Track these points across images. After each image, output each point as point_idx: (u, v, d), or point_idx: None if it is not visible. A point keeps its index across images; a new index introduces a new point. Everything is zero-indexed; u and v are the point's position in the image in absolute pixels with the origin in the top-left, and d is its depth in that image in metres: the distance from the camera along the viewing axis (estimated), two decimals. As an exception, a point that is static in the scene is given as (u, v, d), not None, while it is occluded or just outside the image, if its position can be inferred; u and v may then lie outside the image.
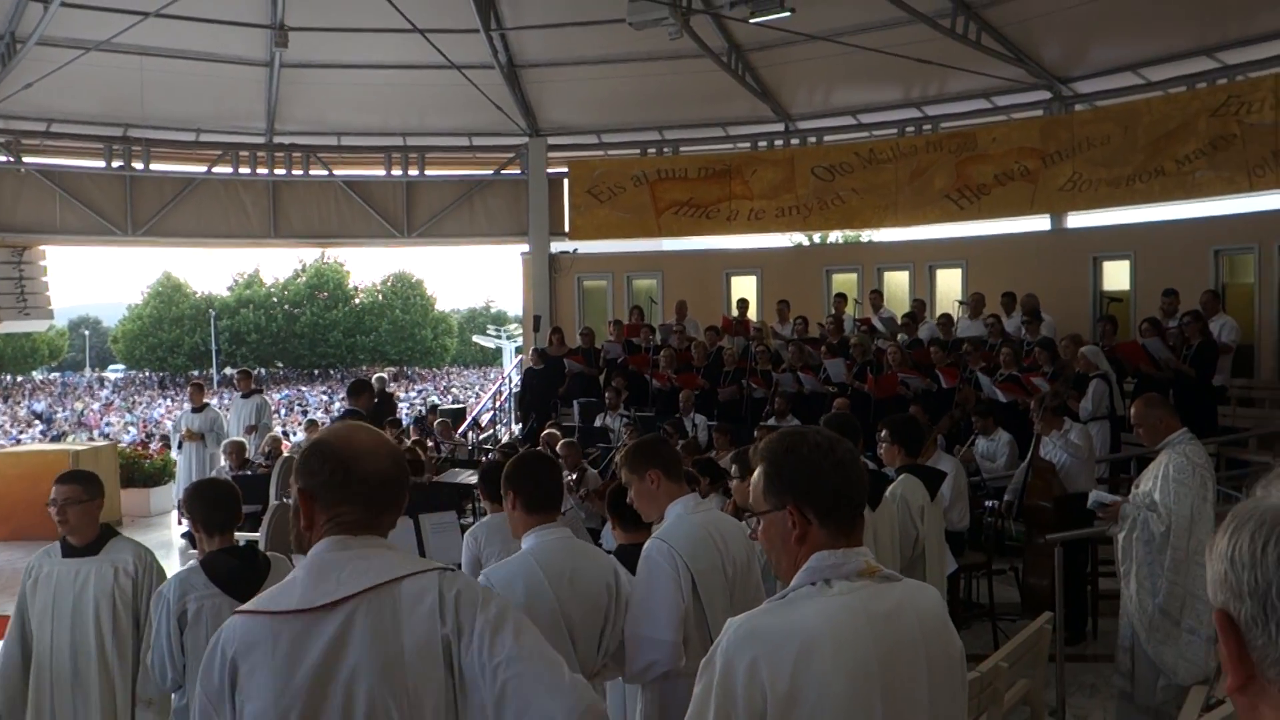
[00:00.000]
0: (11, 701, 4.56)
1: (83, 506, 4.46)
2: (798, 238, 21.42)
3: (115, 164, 16.44)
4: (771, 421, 11.14)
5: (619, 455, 9.98)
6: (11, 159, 15.84)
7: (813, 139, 16.75)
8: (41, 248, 16.52)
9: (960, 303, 13.76)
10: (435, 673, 2.04)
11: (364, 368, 69.22)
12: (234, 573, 4.25)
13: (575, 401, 13.57)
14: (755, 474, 2.19)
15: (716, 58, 15.52)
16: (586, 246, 17.74)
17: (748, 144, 17.19)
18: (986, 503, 8.33)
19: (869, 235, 19.24)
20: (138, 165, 16.55)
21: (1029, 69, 14.38)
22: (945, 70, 14.22)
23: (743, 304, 15.30)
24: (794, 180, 16.34)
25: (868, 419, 9.16)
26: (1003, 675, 4.09)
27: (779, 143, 16.94)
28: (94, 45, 13.93)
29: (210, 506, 4.27)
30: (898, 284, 15.76)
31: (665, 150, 17.48)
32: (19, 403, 55.50)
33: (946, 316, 12.86)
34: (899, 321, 13.26)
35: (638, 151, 17.64)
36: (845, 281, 15.96)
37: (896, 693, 2.01)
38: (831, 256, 19.15)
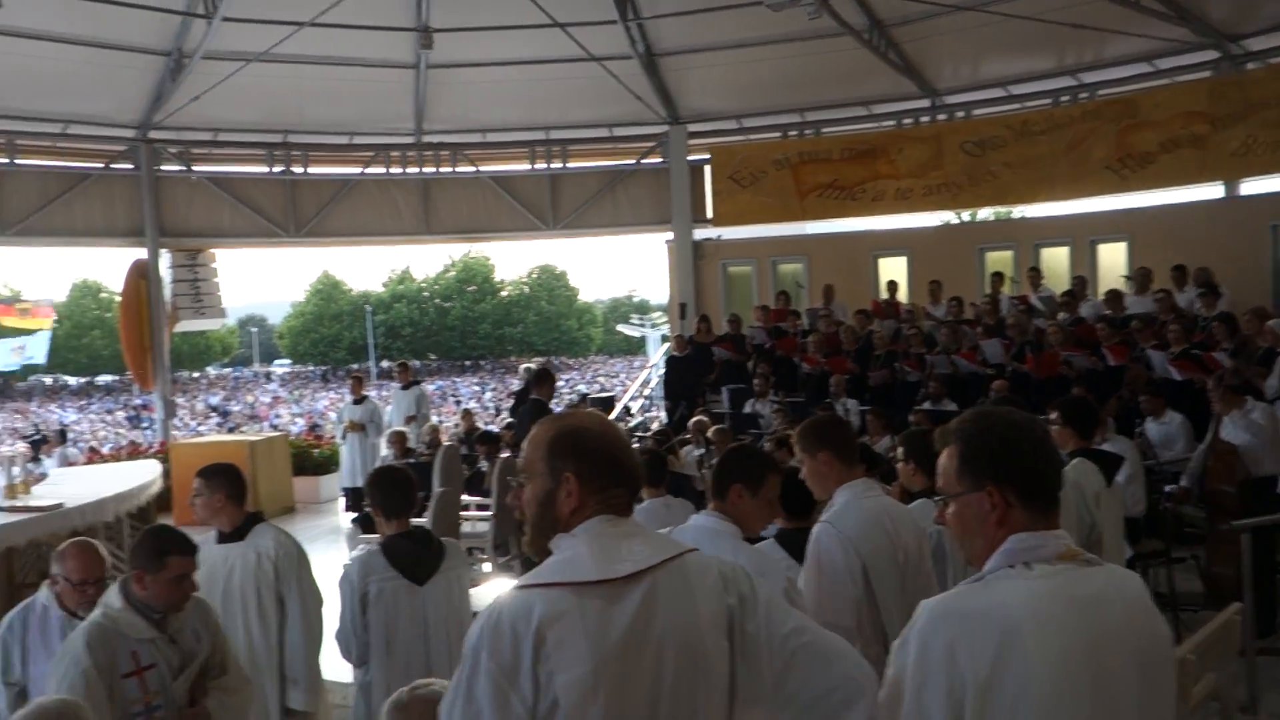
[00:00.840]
0: None
1: (202, 500, 4.61)
2: (947, 216, 20.87)
3: (277, 169, 17.18)
4: (926, 405, 10.89)
5: (769, 440, 9.94)
6: (183, 168, 16.71)
7: (961, 113, 16.28)
8: (213, 251, 17.38)
9: (1126, 278, 13.18)
10: (722, 641, 2.10)
11: (512, 358, 70.69)
12: (412, 556, 4.44)
13: (724, 388, 13.54)
14: (945, 455, 2.12)
15: (857, 35, 15.23)
16: (730, 232, 17.67)
17: (892, 122, 16.82)
18: (1165, 488, 7.93)
19: (1022, 211, 18.55)
20: (297, 169, 17.25)
21: (1194, 28, 13.64)
22: (1102, 34, 13.62)
23: (892, 286, 15.01)
24: (942, 157, 15.92)
25: (1028, 401, 8.86)
26: (1191, 669, 3.90)
27: (925, 119, 16.53)
28: (254, 57, 14.56)
29: (389, 492, 4.46)
30: (1056, 261, 15.16)
31: (807, 132, 17.26)
32: (196, 396, 58.57)
33: (1115, 292, 12.27)
34: (1058, 299, 12.77)
35: (779, 135, 17.47)
36: (1000, 260, 15.44)
37: (1106, 684, 1.92)
38: (984, 234, 18.57)
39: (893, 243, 16.93)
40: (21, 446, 14.66)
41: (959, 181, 15.85)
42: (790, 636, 2.12)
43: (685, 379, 14.32)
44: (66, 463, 15.12)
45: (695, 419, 11.38)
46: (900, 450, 4.60)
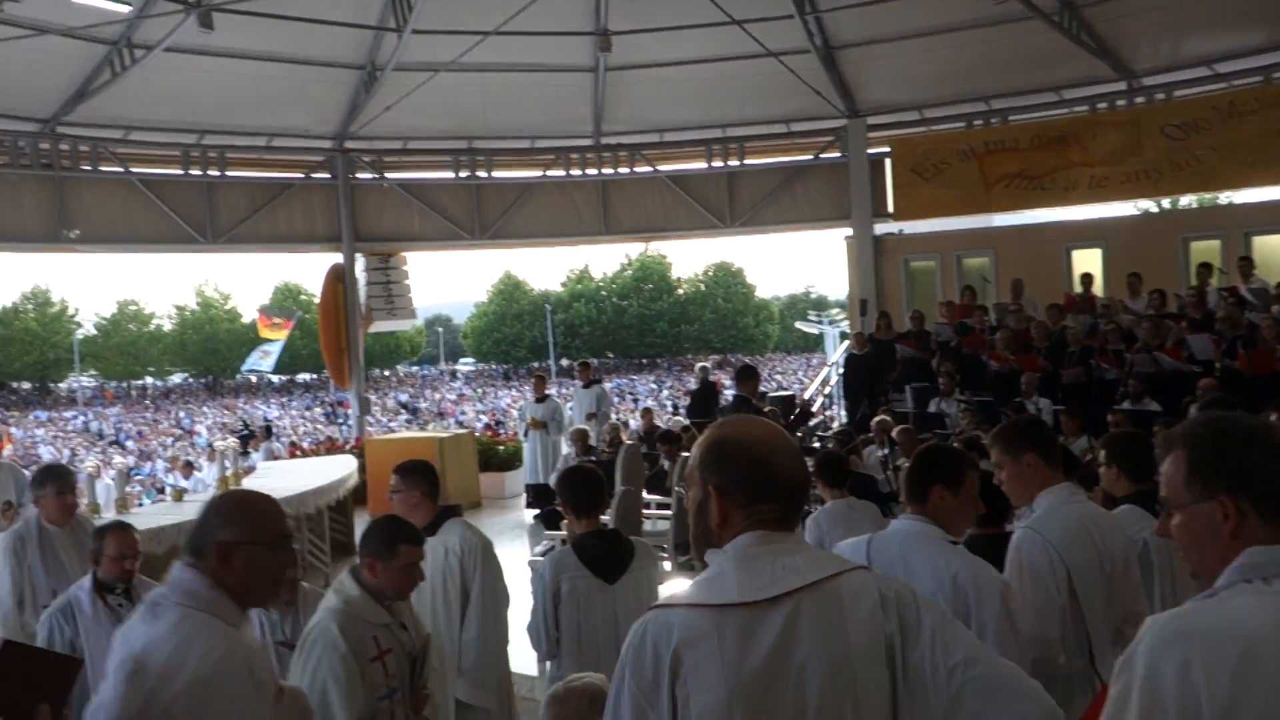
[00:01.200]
0: None
1: (400, 495, 4.78)
2: (1145, 204, 19.83)
3: (463, 174, 17.74)
4: (1126, 405, 10.38)
5: (957, 440, 9.66)
6: (376, 176, 17.47)
7: (1161, 95, 15.41)
8: (404, 254, 18.10)
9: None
10: (879, 672, 1.99)
11: (689, 356, 71.02)
12: (601, 555, 4.50)
13: (908, 387, 13.23)
14: (1170, 462, 1.98)
15: (1047, 18, 14.62)
16: (912, 226, 17.25)
17: (1085, 107, 16.07)
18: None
19: (1229, 197, 17.42)
20: (482, 174, 17.78)
21: None
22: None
23: (1087, 279, 14.32)
24: (1140, 142, 15.11)
25: (1241, 399, 8.31)
26: None
27: (1121, 103, 15.74)
28: (442, 67, 15.09)
29: (578, 491, 4.54)
30: (1270, 250, 14.18)
31: (993, 121, 16.68)
32: (387, 394, 61.16)
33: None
34: (1273, 291, 11.94)
35: (963, 124, 16.94)
36: (1206, 249, 14.53)
37: None
38: (1188, 222, 17.55)
39: (1087, 233, 16.18)
40: (233, 442, 15.60)
41: (1159, 167, 15.02)
42: (960, 669, 1.97)
43: (867, 377, 14.07)
44: (272, 457, 16.01)
45: (878, 418, 11.15)
46: (1103, 454, 4.36)
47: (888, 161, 17.14)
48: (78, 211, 15.41)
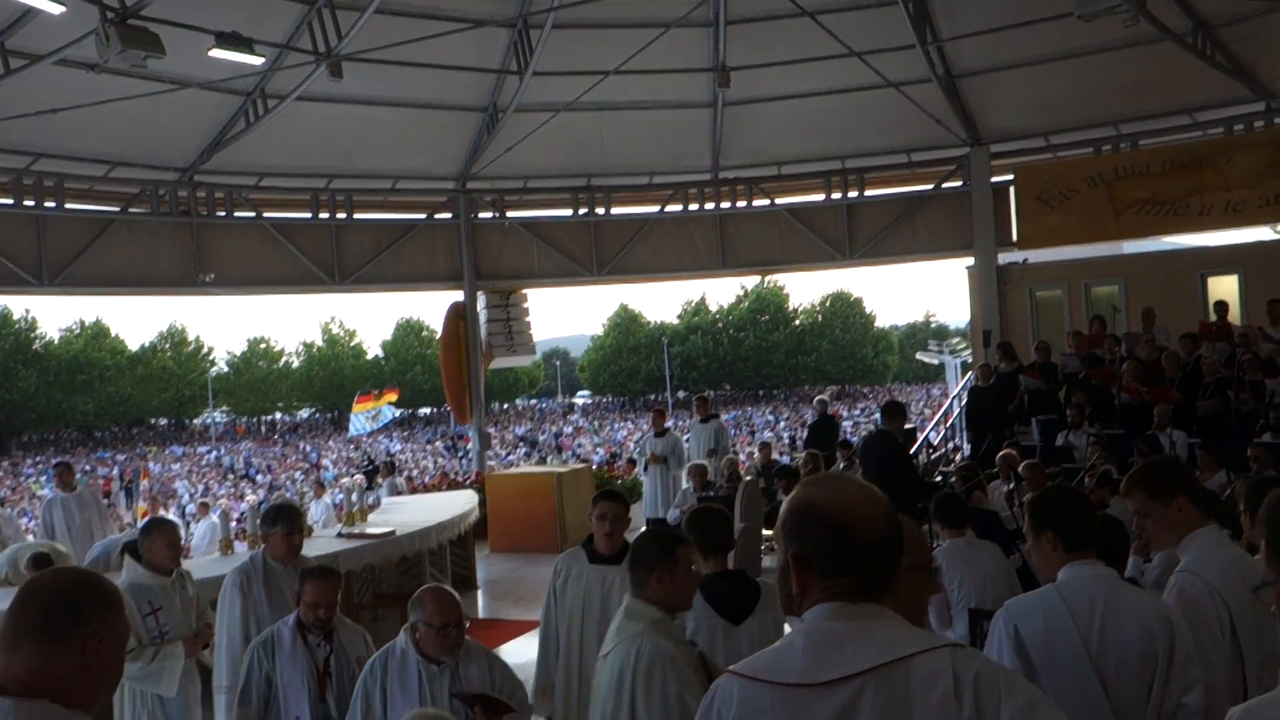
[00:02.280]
0: (548, 674, 5.23)
1: (622, 523, 5.13)
2: (1287, 228, 18.92)
3: (581, 211, 17.97)
4: (1267, 438, 9.89)
5: (1088, 476, 9.32)
6: (497, 215, 17.82)
7: (1302, 115, 14.77)
8: (524, 291, 18.39)
9: None
10: None
11: (806, 387, 70.39)
12: (728, 596, 4.47)
13: (1034, 419, 12.85)
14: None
15: (1179, 39, 14.15)
16: (1037, 255, 16.80)
17: (1220, 129, 15.50)
18: None
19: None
20: (600, 211, 17.97)
21: None
22: None
23: (1222, 306, 13.71)
24: (1280, 164, 14.48)
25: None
26: None
27: (1259, 124, 15.12)
28: (562, 107, 15.35)
29: (706, 531, 4.52)
30: None
31: (1122, 146, 16.18)
32: (506, 427, 62.09)
33: None
34: None
35: (1090, 150, 16.48)
36: (1356, 275, 13.83)
37: None
38: (1333, 247, 16.70)
39: (1222, 259, 15.53)
40: (359, 478, 16.00)
41: (1301, 190, 14.36)
42: None
43: (991, 410, 13.71)
44: (395, 492, 16.35)
45: (1003, 452, 10.85)
46: (1243, 503, 4.15)
47: (1012, 190, 16.75)
48: (213, 255, 16.08)
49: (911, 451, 14.80)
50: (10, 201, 14.30)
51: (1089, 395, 12.41)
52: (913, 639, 1.93)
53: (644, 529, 4.95)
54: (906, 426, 20.63)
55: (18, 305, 61.68)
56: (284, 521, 5.63)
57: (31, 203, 14.39)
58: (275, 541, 5.67)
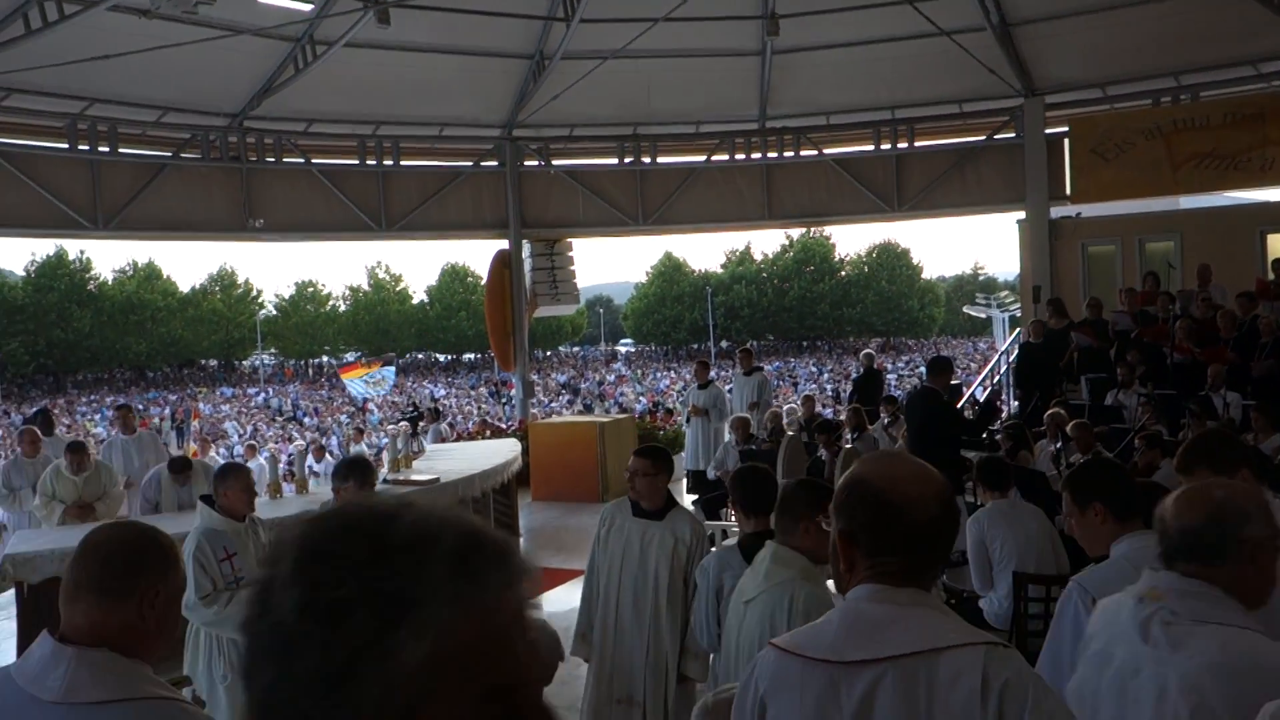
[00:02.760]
0: (588, 619, 5.35)
1: (648, 479, 5.08)
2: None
3: (627, 160, 17.87)
4: (1324, 401, 9.70)
5: (1139, 438, 9.21)
6: (543, 163, 17.78)
7: (1372, 67, 14.32)
8: (568, 240, 18.38)
9: None
10: None
11: (850, 339, 69.99)
12: (767, 556, 4.49)
13: (1083, 377, 12.69)
14: None
15: (1246, -13, 13.74)
16: (1091, 210, 16.50)
17: (1286, 81, 15.08)
18: None
19: None
20: (646, 160, 17.87)
21: None
22: None
23: (1281, 265, 13.47)
24: (1348, 119, 14.08)
25: None
26: None
27: (1327, 77, 14.69)
28: (609, 54, 15.21)
29: (750, 490, 4.54)
30: None
31: (1183, 98, 15.79)
32: (549, 374, 62.39)
33: None
34: None
35: (1149, 102, 16.09)
36: None
37: None
38: (1397, 203, 16.26)
39: (1283, 216, 15.19)
40: (403, 424, 16.18)
41: (1368, 145, 13.96)
42: None
43: (1039, 367, 13.55)
44: (439, 439, 16.54)
45: (1051, 411, 10.73)
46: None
47: (1066, 142, 16.43)
48: (262, 201, 16.22)
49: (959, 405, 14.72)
50: (65, 146, 14.48)
51: (1142, 353, 12.23)
52: (949, 630, 1.89)
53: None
54: (953, 382, 20.52)
55: (73, 247, 62.70)
56: (356, 476, 5.55)
57: (86, 147, 14.57)
58: (348, 495, 5.57)
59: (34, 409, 13.87)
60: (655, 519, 5.11)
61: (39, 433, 10.30)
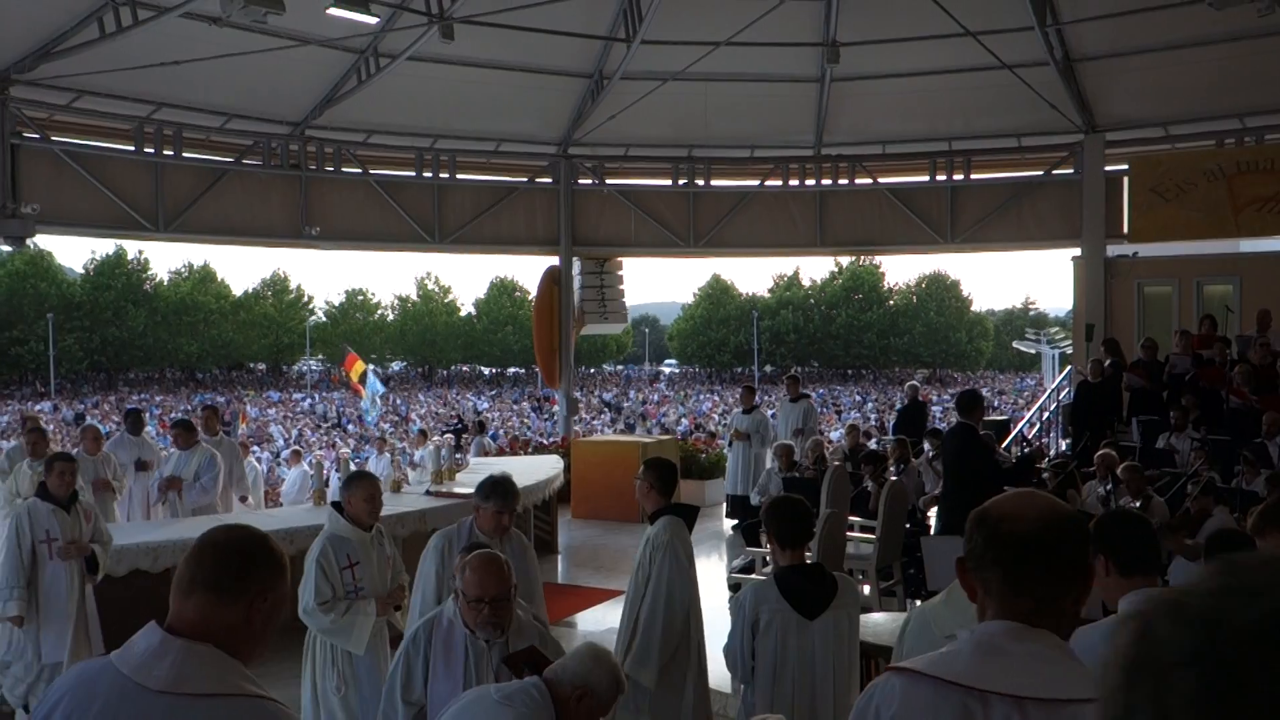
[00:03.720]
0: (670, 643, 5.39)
1: (640, 483, 5.57)
2: None
3: (681, 181, 17.90)
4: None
5: (1192, 484, 9.05)
6: (596, 182, 17.86)
7: None
8: (618, 259, 18.43)
9: None
10: None
11: (896, 369, 69.50)
12: (804, 591, 4.45)
13: (1135, 419, 12.50)
14: None
15: (1317, 31, 13.52)
16: (1148, 249, 16.28)
17: (1354, 127, 14.81)
18: None
19: None
20: (700, 182, 17.89)
21: None
22: None
23: (1345, 313, 13.19)
24: None
25: None
26: None
27: (1398, 123, 14.40)
28: (669, 76, 15.27)
29: (786, 523, 4.51)
30: None
31: (1247, 140, 15.55)
32: (592, 392, 62.48)
33: None
34: None
35: (1212, 143, 15.87)
36: None
37: None
38: None
39: (1348, 263, 14.89)
40: (448, 436, 16.26)
41: None
42: None
43: (1093, 407, 13.35)
44: (483, 452, 16.58)
45: (1102, 451, 10.57)
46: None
47: (1125, 180, 16.23)
48: (319, 209, 16.42)
49: (1004, 445, 14.54)
50: (132, 148, 14.76)
51: (1196, 398, 12.03)
52: (1082, 681, 1.86)
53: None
54: (999, 418, 20.29)
55: (132, 247, 63.93)
56: (497, 498, 5.36)
57: (151, 150, 14.84)
58: (485, 515, 5.42)
59: (128, 408, 14.08)
60: (650, 522, 5.52)
61: (100, 431, 10.51)
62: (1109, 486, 9.74)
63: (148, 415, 47.45)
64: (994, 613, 1.94)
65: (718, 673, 5.61)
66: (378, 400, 26.60)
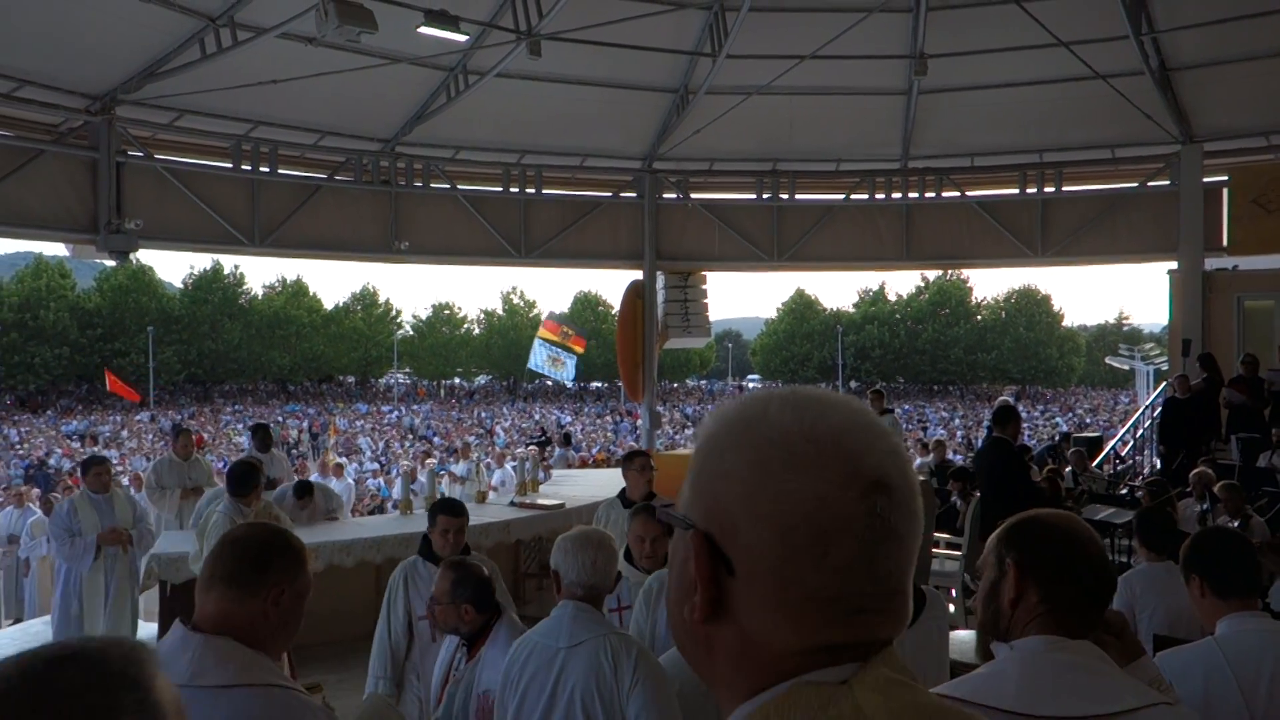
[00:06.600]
0: None
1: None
2: None
3: (765, 195, 17.87)
4: None
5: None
6: (681, 196, 17.91)
7: None
8: (703, 273, 18.44)
9: None
10: None
11: (984, 385, 68.29)
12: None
13: (1234, 437, 12.14)
14: None
15: None
16: (1249, 262, 15.79)
17: None
18: None
19: None
20: (784, 196, 17.83)
21: None
22: None
23: None
24: None
25: None
26: None
27: None
28: (753, 90, 15.26)
29: None
30: None
31: (1354, 149, 15.04)
32: (675, 406, 62.51)
33: None
34: None
35: (1317, 153, 15.37)
36: None
37: None
38: None
39: None
40: (532, 449, 16.42)
41: None
42: None
43: (1185, 423, 13.00)
44: (566, 465, 16.73)
45: (1198, 470, 10.29)
46: None
47: (1225, 191, 15.78)
48: (408, 224, 16.74)
49: (1096, 463, 14.20)
50: (229, 165, 15.23)
51: (1298, 415, 11.66)
52: (1130, 691, 1.85)
53: None
54: (1091, 435, 19.83)
55: (228, 262, 65.84)
56: (442, 515, 5.35)
57: (248, 167, 15.29)
58: (434, 536, 5.44)
59: (253, 423, 14.40)
60: None
61: (193, 437, 10.84)
62: (1206, 505, 9.48)
63: (240, 426, 48.73)
64: (1035, 611, 1.93)
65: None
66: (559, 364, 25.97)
